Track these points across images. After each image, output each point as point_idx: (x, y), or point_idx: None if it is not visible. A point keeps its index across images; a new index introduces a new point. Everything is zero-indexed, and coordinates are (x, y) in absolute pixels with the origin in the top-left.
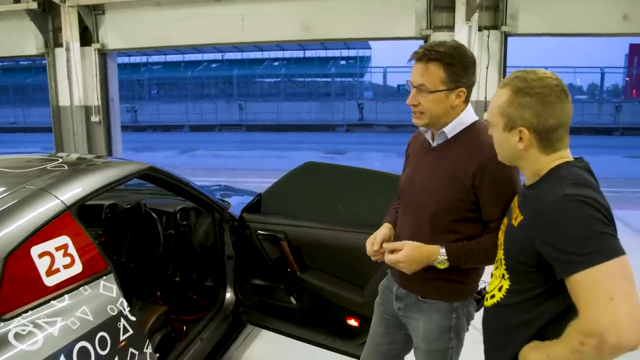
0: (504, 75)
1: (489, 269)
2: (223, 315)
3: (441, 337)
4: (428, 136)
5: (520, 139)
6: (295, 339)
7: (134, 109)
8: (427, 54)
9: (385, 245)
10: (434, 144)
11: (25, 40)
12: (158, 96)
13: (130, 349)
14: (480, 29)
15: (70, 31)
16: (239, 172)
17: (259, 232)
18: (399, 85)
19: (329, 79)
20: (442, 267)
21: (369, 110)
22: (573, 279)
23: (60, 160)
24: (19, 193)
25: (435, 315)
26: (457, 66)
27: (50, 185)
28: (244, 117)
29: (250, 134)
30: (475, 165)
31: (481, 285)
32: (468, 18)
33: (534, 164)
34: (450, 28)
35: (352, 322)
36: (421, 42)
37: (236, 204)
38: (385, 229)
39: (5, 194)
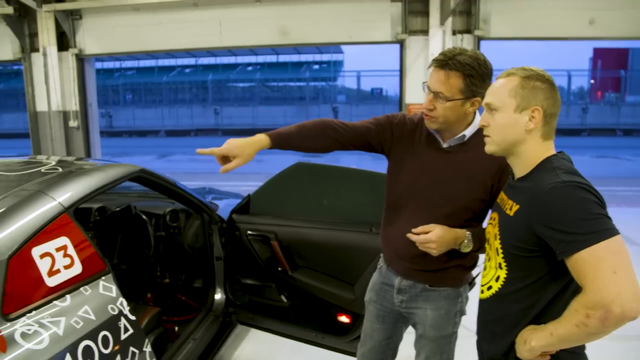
0: None
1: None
2: (214, 315)
3: (449, 322)
4: (437, 136)
5: (532, 118)
6: (286, 337)
7: (109, 115)
8: (449, 63)
9: (414, 229)
10: (445, 145)
11: (0, 45)
12: (133, 101)
13: (131, 348)
14: (454, 33)
15: (47, 36)
16: (218, 176)
17: (249, 232)
18: (372, 89)
19: (302, 83)
20: (466, 250)
21: (343, 113)
22: (576, 257)
23: (54, 162)
24: (16, 195)
25: (443, 302)
26: (476, 77)
27: (47, 187)
28: (219, 122)
29: (226, 138)
30: (496, 166)
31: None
32: (442, 22)
33: (530, 150)
34: (425, 32)
35: (344, 319)
36: (397, 46)
37: (223, 206)
38: None
39: (3, 196)
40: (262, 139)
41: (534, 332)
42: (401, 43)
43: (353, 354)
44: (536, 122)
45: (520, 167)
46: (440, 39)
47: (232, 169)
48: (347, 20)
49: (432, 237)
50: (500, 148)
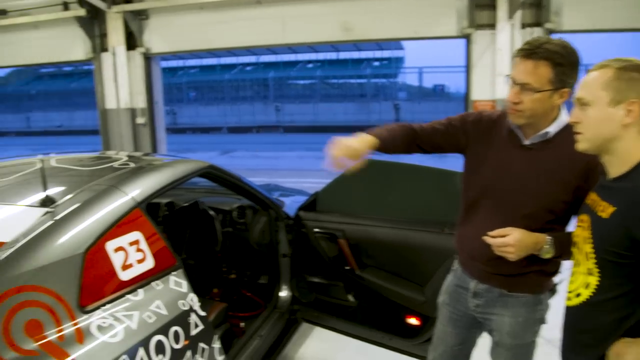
0: None
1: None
2: (279, 312)
3: (528, 331)
4: (519, 132)
5: (629, 112)
6: (353, 337)
7: (174, 112)
8: (537, 52)
9: (490, 232)
10: (528, 142)
11: (73, 46)
12: (196, 99)
13: (201, 344)
14: (523, 27)
15: (116, 36)
16: (280, 172)
17: (316, 230)
18: (435, 86)
19: (363, 80)
20: (547, 256)
21: (405, 110)
22: None
23: (125, 158)
24: (91, 190)
25: (522, 309)
26: (566, 66)
27: (120, 183)
28: (281, 119)
29: (288, 135)
30: (582, 165)
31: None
32: (510, 16)
33: (627, 147)
34: (492, 26)
35: (413, 321)
36: (459, 41)
37: (289, 203)
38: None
39: (78, 191)
40: (371, 141)
41: (631, 346)
42: (467, 38)
43: (422, 358)
44: (634, 116)
45: (617, 166)
46: (508, 32)
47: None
48: (411, 15)
49: (510, 240)
50: (593, 145)
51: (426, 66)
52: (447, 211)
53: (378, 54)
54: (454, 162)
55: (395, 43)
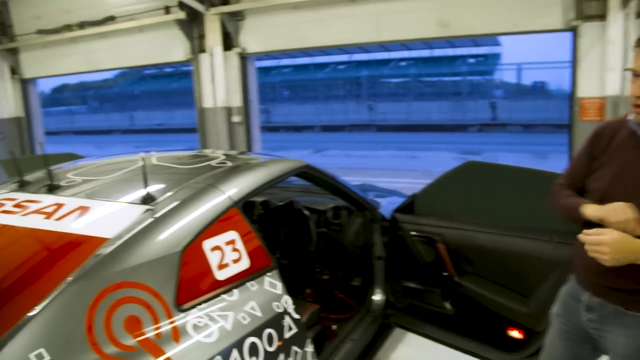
0: None
1: None
2: (372, 316)
3: None
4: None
5: None
6: (448, 346)
7: (267, 111)
8: None
9: (586, 231)
10: None
11: (174, 48)
12: (289, 98)
13: (293, 347)
14: (638, 16)
15: (213, 37)
16: (372, 171)
17: (413, 233)
18: (534, 83)
19: (457, 78)
20: None
21: (502, 109)
22: None
23: (222, 157)
24: (189, 188)
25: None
26: None
27: (217, 181)
28: (373, 117)
29: (380, 134)
30: None
31: None
32: (624, 5)
33: None
34: (602, 17)
35: (514, 334)
36: (565, 34)
37: (384, 204)
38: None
39: (177, 189)
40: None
41: None
42: (574, 30)
43: None
44: None
45: None
46: (621, 23)
47: None
48: (511, 8)
49: (606, 239)
50: None
51: (525, 62)
52: (556, 218)
53: (473, 50)
54: (555, 164)
55: (491, 39)
